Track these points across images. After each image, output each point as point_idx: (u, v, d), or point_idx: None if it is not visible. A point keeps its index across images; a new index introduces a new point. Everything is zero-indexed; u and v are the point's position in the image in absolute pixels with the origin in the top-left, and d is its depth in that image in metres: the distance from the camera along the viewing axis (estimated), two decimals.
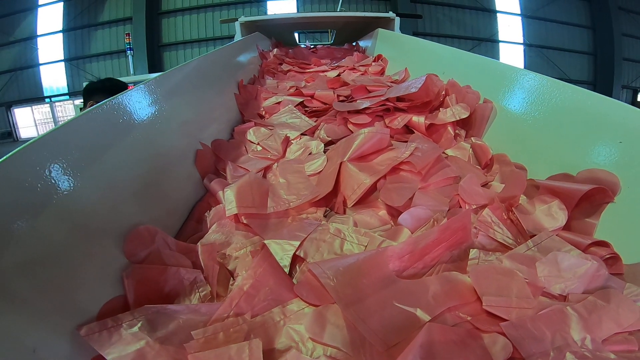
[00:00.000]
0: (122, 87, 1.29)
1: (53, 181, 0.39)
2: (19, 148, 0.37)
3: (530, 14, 8.06)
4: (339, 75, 1.46)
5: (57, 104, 7.76)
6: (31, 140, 0.39)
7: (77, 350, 0.34)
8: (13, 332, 0.30)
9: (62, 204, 0.39)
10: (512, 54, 8.13)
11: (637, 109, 0.54)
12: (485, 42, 8.00)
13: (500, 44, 8.13)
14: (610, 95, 0.60)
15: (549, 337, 0.36)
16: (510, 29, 8.11)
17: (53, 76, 7.83)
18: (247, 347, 0.34)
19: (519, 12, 8.12)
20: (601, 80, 8.15)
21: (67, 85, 7.76)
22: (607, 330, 0.37)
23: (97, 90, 1.26)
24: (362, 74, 1.48)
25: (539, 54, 8.11)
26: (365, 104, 0.94)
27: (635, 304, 0.39)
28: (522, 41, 8.15)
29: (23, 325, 0.31)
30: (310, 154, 0.80)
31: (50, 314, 0.33)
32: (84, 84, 1.36)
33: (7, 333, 0.29)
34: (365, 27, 2.39)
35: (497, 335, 0.37)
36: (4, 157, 0.35)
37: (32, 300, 0.32)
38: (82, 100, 1.42)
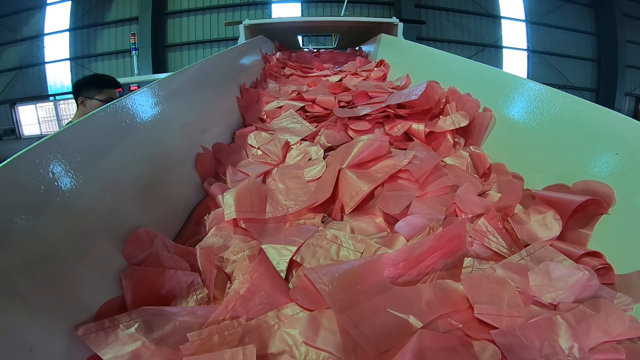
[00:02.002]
0: (110, 80, 1.34)
1: (56, 183, 0.40)
2: (23, 150, 0.38)
3: (534, 20, 8.05)
4: (340, 80, 1.47)
5: (61, 102, 7.79)
6: (36, 143, 0.39)
7: (73, 349, 0.35)
8: (12, 330, 0.30)
9: (63, 205, 0.40)
10: (515, 60, 8.12)
11: (634, 120, 0.54)
12: (489, 47, 8.00)
13: (504, 50, 8.12)
14: (612, 103, 0.61)
15: (537, 345, 0.36)
16: (514, 34, 8.10)
17: (58, 74, 7.88)
18: (241, 352, 0.35)
19: (523, 18, 8.12)
20: (604, 87, 8.11)
21: (72, 84, 7.81)
22: (595, 339, 0.38)
23: (86, 85, 1.29)
24: (364, 79, 1.50)
25: (543, 60, 8.10)
26: (366, 110, 0.95)
27: (624, 313, 0.40)
28: (526, 47, 8.14)
29: (21, 323, 0.31)
30: (309, 159, 0.81)
31: (49, 313, 0.34)
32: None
33: (6, 331, 0.30)
34: (369, 32, 2.41)
35: (487, 342, 0.37)
36: (9, 159, 0.36)
37: (31, 299, 0.33)
38: None
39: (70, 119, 1.37)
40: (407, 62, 1.51)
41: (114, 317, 0.37)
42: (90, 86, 1.29)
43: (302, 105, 1.12)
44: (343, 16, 3.35)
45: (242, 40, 2.13)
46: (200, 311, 0.42)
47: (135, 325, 0.37)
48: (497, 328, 0.39)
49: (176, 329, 0.39)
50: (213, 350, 0.36)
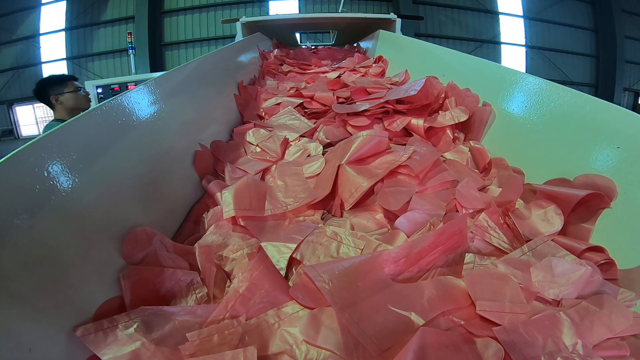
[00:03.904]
0: (66, 75, 1.51)
1: (51, 182, 0.39)
2: (17, 149, 0.37)
3: (532, 16, 8.03)
4: (339, 76, 1.46)
5: None
6: (30, 142, 0.39)
7: (72, 350, 0.34)
8: (10, 331, 0.30)
9: (60, 205, 0.39)
10: (514, 55, 8.10)
11: (636, 114, 0.54)
12: (487, 43, 7.98)
13: (502, 46, 8.11)
14: (611, 98, 0.60)
15: (540, 342, 0.36)
16: (512, 30, 8.08)
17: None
18: (242, 354, 0.34)
19: (521, 13, 8.10)
20: (603, 83, 8.11)
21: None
22: (599, 336, 0.37)
23: (49, 86, 1.42)
24: (362, 76, 1.49)
25: (541, 56, 8.09)
26: (365, 106, 0.95)
27: (628, 309, 0.40)
28: (524, 43, 8.12)
29: (20, 323, 0.31)
30: (308, 156, 0.80)
31: (47, 313, 0.34)
32: (86, 82, 1.50)
33: (4, 331, 0.29)
34: (367, 28, 2.39)
35: (489, 340, 0.37)
36: (3, 159, 0.35)
37: (30, 299, 0.32)
38: None
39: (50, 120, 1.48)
40: (405, 58, 1.50)
41: (112, 317, 0.37)
42: (54, 85, 1.41)
43: (301, 101, 1.12)
44: (341, 13, 3.34)
45: (239, 38, 2.12)
46: (199, 310, 0.41)
47: (134, 326, 0.37)
48: (499, 325, 0.39)
49: (176, 328, 0.38)
50: (213, 349, 0.36)
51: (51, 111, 1.49)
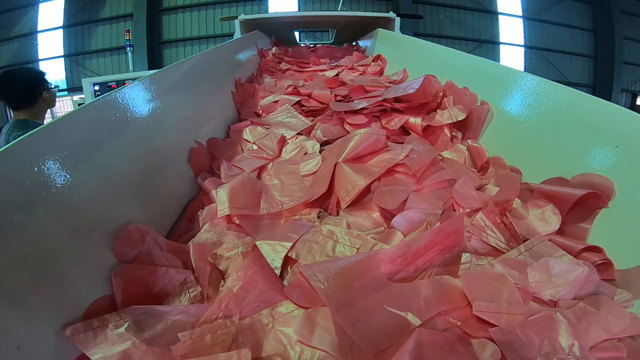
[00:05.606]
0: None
1: (43, 178, 0.38)
2: (9, 144, 0.36)
3: (531, 16, 8.04)
4: (337, 74, 1.45)
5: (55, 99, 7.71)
6: (22, 137, 0.38)
7: (62, 348, 0.34)
8: None
9: (52, 201, 0.38)
10: (512, 55, 8.11)
11: (635, 113, 0.53)
12: (486, 43, 7.99)
13: (501, 46, 8.12)
14: (609, 99, 0.60)
15: (537, 343, 0.36)
16: (511, 30, 8.09)
17: (52, 72, 7.79)
18: (236, 356, 0.34)
19: (520, 14, 8.11)
20: (601, 84, 8.13)
21: (66, 81, 7.73)
22: (596, 337, 0.37)
23: (42, 81, 1.36)
24: (360, 74, 1.48)
25: (540, 56, 8.10)
26: (363, 104, 0.94)
27: (624, 310, 0.39)
28: (523, 43, 8.13)
29: (8, 321, 0.30)
30: (305, 154, 0.80)
31: (37, 312, 0.33)
32: (83, 80, 1.44)
33: None
34: (366, 27, 2.39)
35: (486, 341, 0.37)
36: None
37: (19, 296, 0.32)
38: (81, 96, 1.47)
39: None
40: (404, 57, 1.50)
41: (103, 316, 0.36)
42: (43, 81, 1.37)
43: (298, 99, 1.11)
44: (340, 11, 3.33)
45: (237, 36, 2.11)
46: (192, 310, 0.41)
47: (125, 325, 0.36)
48: (496, 326, 0.38)
49: (168, 328, 0.38)
50: (205, 350, 0.35)
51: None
